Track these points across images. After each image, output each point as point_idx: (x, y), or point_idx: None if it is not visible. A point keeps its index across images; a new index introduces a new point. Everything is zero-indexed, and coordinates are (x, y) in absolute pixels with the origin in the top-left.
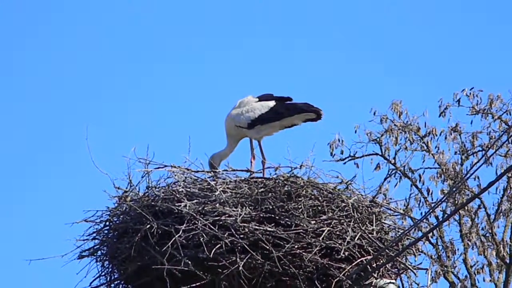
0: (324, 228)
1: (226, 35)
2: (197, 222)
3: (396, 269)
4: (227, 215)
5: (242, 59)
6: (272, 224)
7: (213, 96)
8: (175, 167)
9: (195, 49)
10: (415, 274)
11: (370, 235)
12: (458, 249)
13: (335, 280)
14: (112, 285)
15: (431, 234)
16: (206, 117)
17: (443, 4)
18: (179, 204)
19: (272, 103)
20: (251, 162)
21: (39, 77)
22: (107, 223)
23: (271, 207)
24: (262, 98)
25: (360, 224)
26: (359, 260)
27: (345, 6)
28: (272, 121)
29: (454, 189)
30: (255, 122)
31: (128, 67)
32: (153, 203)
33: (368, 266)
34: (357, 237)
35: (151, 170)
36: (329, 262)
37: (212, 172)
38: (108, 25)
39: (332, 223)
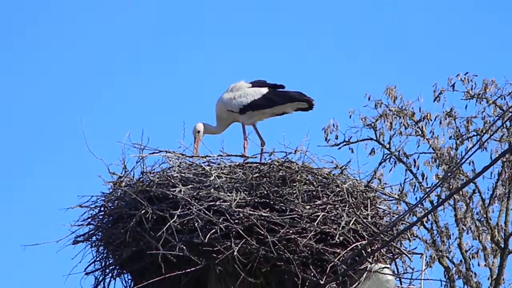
0: (319, 213)
1: (221, 23)
2: (192, 207)
3: (391, 254)
4: (222, 200)
5: (237, 45)
6: (267, 209)
7: (207, 81)
8: (169, 152)
9: (191, 35)
10: (410, 259)
11: (365, 220)
12: (453, 234)
13: (330, 265)
14: (107, 270)
15: (426, 219)
16: (200, 102)
17: None
18: (174, 189)
19: (264, 90)
20: (244, 146)
21: (32, 63)
22: (102, 209)
23: (265, 192)
24: (255, 84)
25: (355, 209)
26: (354, 245)
27: None
28: (264, 108)
29: (449, 174)
30: (247, 108)
31: (122, 53)
32: (147, 188)
33: (363, 251)
34: (352, 222)
35: (146, 156)
36: (324, 247)
37: (206, 158)
38: (102, 12)
39: (327, 208)
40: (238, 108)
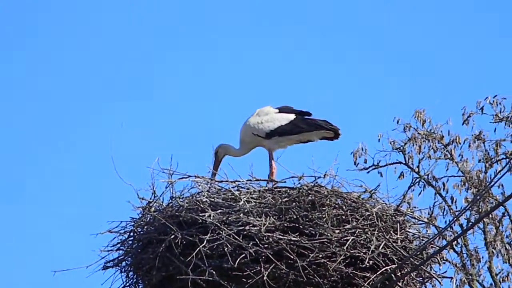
0: (348, 237)
1: (253, 42)
2: (221, 232)
3: (420, 278)
4: (251, 225)
5: (266, 72)
6: (296, 234)
7: (235, 107)
8: (198, 177)
9: (218, 60)
10: (440, 283)
11: (394, 244)
12: (482, 257)
13: None
14: None
15: (455, 242)
16: (228, 127)
17: (464, 11)
18: (203, 214)
19: (292, 116)
20: (272, 172)
21: (57, 80)
22: (132, 234)
23: (295, 217)
24: (282, 110)
25: (384, 233)
26: (383, 269)
27: (367, 12)
28: (290, 134)
29: (478, 197)
30: (273, 133)
31: (149, 76)
32: (177, 213)
33: (392, 275)
34: (381, 246)
35: (175, 181)
36: (354, 271)
37: (235, 182)
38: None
39: (356, 232)
40: (264, 133)
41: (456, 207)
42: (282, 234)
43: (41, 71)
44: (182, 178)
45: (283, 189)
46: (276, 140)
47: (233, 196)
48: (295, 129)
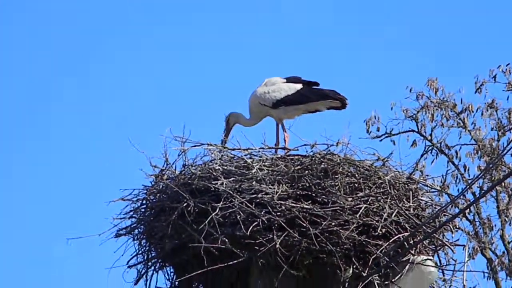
0: (361, 205)
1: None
2: (234, 200)
3: (433, 246)
4: (264, 193)
5: (280, 36)
6: (309, 202)
7: (248, 74)
8: (211, 145)
9: (234, 23)
10: (452, 251)
11: (407, 212)
12: (495, 225)
13: (372, 257)
14: (150, 263)
15: (468, 210)
16: (241, 95)
17: None
18: (216, 182)
19: (299, 86)
20: (284, 140)
21: (71, 51)
22: (144, 202)
23: (307, 185)
24: (289, 80)
25: (397, 201)
26: (396, 237)
27: None
28: (297, 104)
29: (490, 165)
30: (280, 103)
31: (163, 44)
32: (189, 181)
33: (405, 243)
34: (394, 214)
35: (188, 149)
36: (366, 239)
37: (247, 150)
38: None
39: (369, 200)
40: (271, 103)
41: (469, 175)
42: (294, 202)
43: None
44: (195, 146)
45: (296, 157)
46: (283, 110)
47: (245, 164)
48: (302, 98)
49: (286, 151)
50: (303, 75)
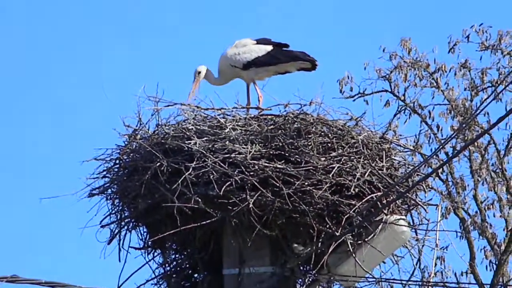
0: (334, 165)
1: None
2: (207, 160)
3: (406, 206)
4: (237, 153)
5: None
6: (282, 161)
7: (222, 34)
8: (184, 104)
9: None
10: (425, 210)
11: (380, 172)
12: (468, 185)
13: (346, 216)
14: (123, 223)
15: (441, 170)
16: (215, 54)
17: None
18: (189, 141)
19: (269, 48)
20: (258, 100)
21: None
22: (117, 161)
23: (281, 144)
24: (260, 41)
25: (370, 161)
26: (369, 197)
27: None
28: (267, 65)
29: (463, 125)
30: (250, 64)
31: (137, 4)
32: (163, 141)
33: (378, 203)
34: (367, 174)
35: (161, 108)
36: (339, 199)
37: (221, 110)
38: None
39: (342, 159)
40: (241, 64)
41: (442, 135)
42: (267, 161)
43: None
44: (168, 105)
45: (269, 117)
46: (254, 71)
47: (219, 124)
48: (272, 60)
49: (259, 110)
50: (273, 36)
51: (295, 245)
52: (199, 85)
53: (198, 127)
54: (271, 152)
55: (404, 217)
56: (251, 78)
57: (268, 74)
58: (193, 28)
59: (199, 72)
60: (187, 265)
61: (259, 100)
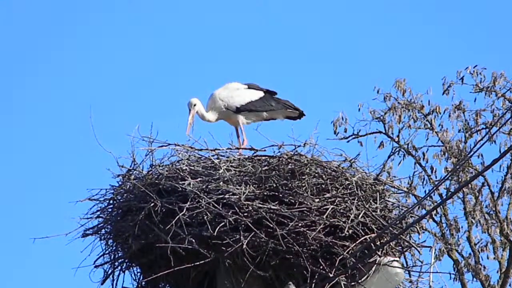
0: (328, 206)
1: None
2: (201, 200)
3: (400, 247)
4: (231, 193)
5: (240, 39)
6: (276, 202)
7: (216, 76)
8: (178, 145)
9: (204, 33)
10: (419, 252)
11: (374, 213)
12: (462, 227)
13: (339, 258)
14: (116, 263)
15: (435, 212)
16: (205, 93)
17: None
18: (183, 182)
19: (261, 93)
20: (242, 143)
21: (37, 54)
22: (111, 202)
23: (274, 185)
24: (250, 86)
25: (364, 202)
26: (363, 238)
27: None
28: (260, 111)
29: (457, 167)
30: (244, 108)
31: (130, 47)
32: (157, 181)
33: (372, 244)
34: (361, 215)
35: (155, 149)
36: (333, 240)
37: (215, 151)
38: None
39: (336, 201)
40: (235, 107)
41: (436, 177)
42: (261, 202)
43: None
44: (162, 146)
45: (263, 158)
46: (245, 115)
47: (213, 164)
48: (265, 106)
49: (253, 151)
50: (265, 81)
51: (289, 286)
52: (195, 117)
53: (192, 168)
54: (265, 193)
55: (398, 258)
56: (241, 122)
57: (257, 119)
58: (187, 69)
59: (194, 104)
60: None
61: (242, 143)
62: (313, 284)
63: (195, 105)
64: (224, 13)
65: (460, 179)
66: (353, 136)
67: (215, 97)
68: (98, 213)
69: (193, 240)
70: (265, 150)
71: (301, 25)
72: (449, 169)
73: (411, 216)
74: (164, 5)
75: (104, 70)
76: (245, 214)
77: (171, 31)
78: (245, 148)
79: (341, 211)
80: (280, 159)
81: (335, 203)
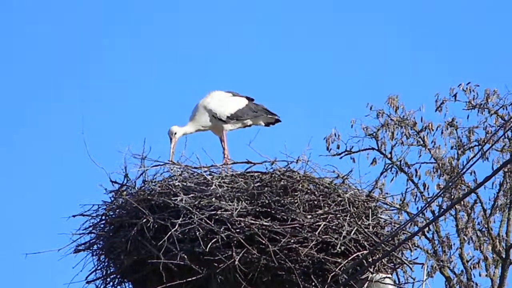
0: (320, 223)
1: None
2: (193, 216)
3: (392, 264)
4: (223, 210)
5: (233, 52)
6: (268, 219)
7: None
8: (173, 162)
9: (191, 46)
10: (411, 269)
11: (366, 230)
12: (454, 244)
13: (331, 274)
14: (108, 279)
15: (427, 228)
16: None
17: None
18: (175, 198)
19: (245, 100)
20: (227, 154)
21: (34, 65)
22: (103, 217)
23: (267, 202)
24: (234, 94)
25: (356, 219)
26: (355, 255)
27: None
28: (246, 118)
29: (450, 184)
30: (233, 116)
31: (122, 58)
32: (149, 197)
33: (364, 261)
34: (353, 232)
35: (148, 168)
36: (325, 257)
37: (209, 168)
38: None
39: (328, 217)
40: (225, 116)
41: (428, 194)
42: (254, 218)
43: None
44: (155, 166)
45: (255, 174)
46: (233, 123)
47: (205, 181)
48: (250, 113)
49: (250, 164)
50: (254, 89)
51: None
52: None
53: (185, 184)
54: (258, 209)
55: (390, 275)
56: (227, 130)
57: (242, 126)
58: (178, 85)
59: (175, 133)
60: None
61: (227, 155)
62: None
63: (175, 133)
64: (222, 26)
65: (452, 196)
66: (346, 153)
67: (202, 107)
68: (90, 228)
69: (185, 256)
70: (261, 163)
71: (293, 40)
72: (442, 186)
73: (404, 233)
74: (153, 23)
75: (97, 85)
76: (237, 230)
77: (162, 47)
78: (241, 162)
79: (334, 227)
80: (273, 175)
81: (328, 220)
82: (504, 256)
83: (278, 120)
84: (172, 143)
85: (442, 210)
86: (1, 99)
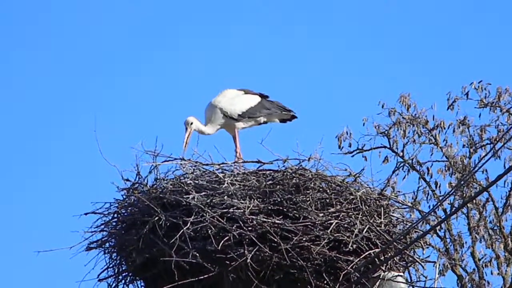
0: (332, 221)
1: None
2: (205, 214)
3: (404, 262)
4: (235, 208)
5: (243, 50)
6: (280, 217)
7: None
8: (184, 159)
9: (206, 42)
10: (423, 267)
11: (378, 228)
12: (466, 242)
13: (343, 272)
14: (120, 277)
15: (439, 227)
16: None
17: None
18: (187, 196)
19: (258, 98)
20: (239, 152)
21: (44, 71)
22: (115, 215)
23: (279, 200)
24: (246, 91)
25: (368, 217)
26: (367, 253)
27: None
28: (259, 116)
29: (462, 182)
30: (245, 114)
31: (136, 59)
32: (161, 195)
33: (376, 259)
34: (365, 230)
35: (159, 164)
36: (337, 255)
37: (220, 165)
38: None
39: (340, 215)
40: (236, 114)
41: (440, 192)
42: (266, 216)
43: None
44: (167, 161)
45: (268, 172)
46: (246, 121)
47: (217, 179)
48: (264, 110)
49: (260, 164)
50: (274, 89)
51: None
52: (191, 136)
53: (197, 182)
54: (269, 207)
55: (402, 273)
56: (240, 128)
57: (255, 123)
58: (192, 83)
59: (191, 123)
60: None
61: (239, 153)
62: None
63: (191, 123)
64: (226, 26)
65: (464, 195)
66: (358, 151)
67: (214, 106)
68: (102, 226)
69: (197, 254)
70: (272, 163)
71: (304, 39)
72: (454, 185)
73: (415, 231)
74: (160, 21)
75: (111, 81)
76: (250, 228)
77: (176, 42)
78: (252, 162)
79: (345, 225)
80: (285, 173)
81: (339, 218)
82: None
83: (294, 117)
84: (187, 134)
85: (454, 208)
86: (16, 99)
